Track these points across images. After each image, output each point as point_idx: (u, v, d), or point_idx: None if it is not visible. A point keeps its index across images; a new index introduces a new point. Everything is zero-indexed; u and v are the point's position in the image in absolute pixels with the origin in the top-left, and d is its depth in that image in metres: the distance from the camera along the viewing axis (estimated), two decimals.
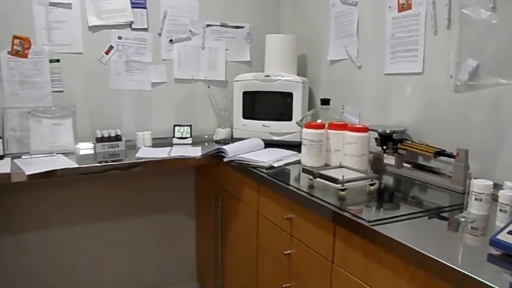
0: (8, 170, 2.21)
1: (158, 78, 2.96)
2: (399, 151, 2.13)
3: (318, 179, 1.85)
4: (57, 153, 2.61)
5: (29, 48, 2.59)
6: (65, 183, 2.80)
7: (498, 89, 1.79)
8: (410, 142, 2.10)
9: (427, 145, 2.01)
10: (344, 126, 2.18)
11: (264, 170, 2.20)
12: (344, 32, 2.65)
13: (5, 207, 2.67)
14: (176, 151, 2.66)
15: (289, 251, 1.98)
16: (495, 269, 1.17)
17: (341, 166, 2.04)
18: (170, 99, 3.02)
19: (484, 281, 1.06)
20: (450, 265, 1.15)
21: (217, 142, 2.97)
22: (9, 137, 2.56)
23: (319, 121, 2.34)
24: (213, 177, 2.84)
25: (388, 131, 2.14)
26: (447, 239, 1.41)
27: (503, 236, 1.23)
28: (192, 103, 3.10)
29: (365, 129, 2.11)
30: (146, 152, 2.64)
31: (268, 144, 2.70)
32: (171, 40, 2.96)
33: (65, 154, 2.60)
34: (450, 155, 1.89)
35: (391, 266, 1.39)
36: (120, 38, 2.81)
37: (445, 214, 1.62)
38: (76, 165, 2.36)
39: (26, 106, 2.61)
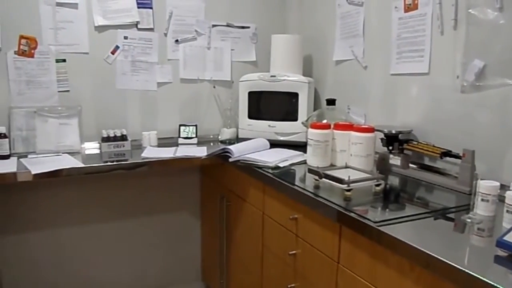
0: (14, 170, 2.21)
1: (164, 78, 2.97)
2: (405, 151, 2.13)
3: (324, 179, 1.85)
4: (63, 153, 2.62)
5: (35, 48, 2.60)
6: (70, 183, 2.80)
7: (505, 90, 1.78)
8: (416, 142, 2.09)
9: (433, 146, 2.01)
10: (350, 127, 2.17)
11: (270, 170, 2.20)
12: (350, 33, 2.65)
13: (10, 206, 2.68)
14: (182, 151, 2.67)
15: (294, 251, 1.98)
16: (502, 270, 1.17)
17: (346, 167, 2.04)
18: (175, 99, 3.03)
19: (491, 282, 1.06)
20: (457, 266, 1.14)
21: (222, 142, 2.97)
22: (16, 137, 2.57)
23: (324, 121, 2.34)
24: (218, 177, 2.84)
25: (394, 132, 2.14)
26: (453, 240, 1.40)
27: (510, 237, 1.22)
28: (198, 103, 3.10)
29: (371, 130, 2.10)
30: (152, 152, 2.65)
31: (274, 144, 2.70)
32: (176, 40, 2.97)
33: (71, 153, 2.61)
34: (457, 156, 1.88)
35: (397, 266, 1.38)
36: (126, 38, 2.82)
37: (451, 215, 1.61)
38: (82, 165, 2.36)
39: (33, 106, 2.62)
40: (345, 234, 1.63)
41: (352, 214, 1.56)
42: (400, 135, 2.13)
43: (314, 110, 2.82)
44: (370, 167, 2.10)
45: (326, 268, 1.75)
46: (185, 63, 3.01)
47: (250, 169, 2.30)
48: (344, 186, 1.73)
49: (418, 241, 1.30)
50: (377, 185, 1.82)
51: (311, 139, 2.24)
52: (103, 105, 2.83)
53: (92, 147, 2.76)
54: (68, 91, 2.72)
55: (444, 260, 1.18)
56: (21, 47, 2.57)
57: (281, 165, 2.27)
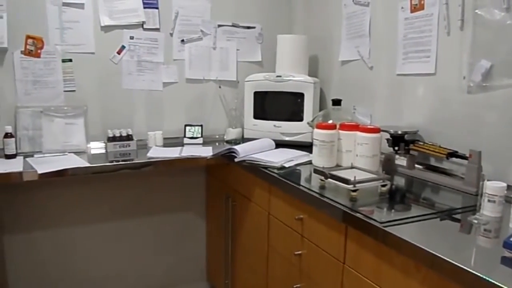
0: (20, 169, 2.22)
1: (170, 78, 2.97)
2: (411, 152, 2.12)
3: (329, 179, 1.85)
4: (69, 152, 2.63)
5: (42, 48, 2.61)
6: (76, 182, 2.81)
7: (511, 90, 1.77)
8: (422, 143, 2.09)
9: (440, 146, 2.00)
10: (356, 127, 2.17)
11: (275, 171, 2.20)
12: (356, 33, 2.65)
13: (16, 205, 2.69)
14: (187, 151, 2.67)
15: (300, 252, 1.98)
16: (509, 271, 1.16)
17: (352, 167, 2.04)
18: (181, 99, 3.03)
19: (498, 284, 1.05)
20: (463, 267, 1.14)
21: (228, 142, 2.98)
22: (22, 136, 2.58)
23: (330, 121, 2.33)
24: (223, 177, 2.84)
25: (400, 132, 2.13)
26: (459, 241, 1.40)
27: None
28: (203, 103, 3.10)
29: (376, 130, 2.10)
30: (157, 152, 2.65)
31: (279, 144, 2.70)
32: (182, 40, 2.97)
33: (77, 153, 2.62)
34: (463, 157, 1.88)
35: (403, 267, 1.38)
36: (132, 38, 2.83)
37: (458, 216, 1.61)
38: (88, 164, 2.37)
39: (39, 106, 2.63)
40: (351, 234, 1.63)
41: (358, 215, 1.56)
42: (406, 136, 2.13)
43: (320, 110, 2.82)
44: (376, 167, 2.10)
45: (332, 268, 1.75)
46: (191, 63, 3.02)
47: (256, 169, 2.30)
48: (350, 187, 1.73)
49: (424, 242, 1.30)
50: (383, 186, 1.82)
51: (317, 140, 2.24)
52: (109, 105, 2.83)
53: (98, 147, 2.77)
54: (74, 91, 2.73)
55: (450, 261, 1.17)
56: (28, 47, 2.58)
57: (286, 165, 2.27)
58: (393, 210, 1.67)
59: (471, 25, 1.92)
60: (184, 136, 2.94)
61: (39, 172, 2.19)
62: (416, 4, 2.20)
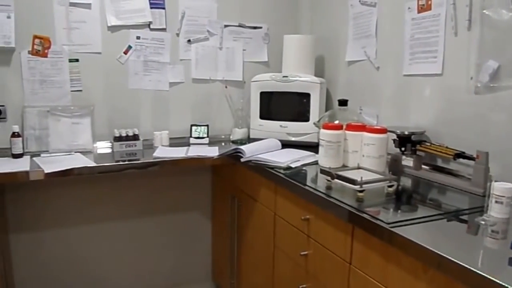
0: (27, 168, 2.23)
1: (176, 78, 2.98)
2: (418, 152, 2.11)
3: (336, 180, 1.85)
4: (75, 152, 2.64)
5: (49, 47, 2.62)
6: (82, 182, 2.82)
7: None
8: (429, 144, 2.08)
9: (446, 147, 2.00)
10: (362, 127, 2.17)
11: (282, 171, 2.20)
12: (363, 33, 2.64)
13: (22, 204, 2.70)
14: (193, 151, 2.67)
15: (306, 252, 1.98)
16: None
17: (359, 168, 2.03)
18: (187, 99, 3.03)
19: (506, 285, 1.05)
20: (471, 268, 1.14)
21: (234, 142, 2.98)
22: (29, 136, 2.59)
23: (336, 122, 2.33)
24: (229, 177, 2.85)
25: (406, 133, 2.13)
26: (466, 242, 1.39)
27: None
28: (209, 103, 3.10)
29: (383, 131, 2.10)
30: (163, 152, 2.66)
31: (285, 144, 2.70)
32: (189, 40, 2.97)
33: (83, 152, 2.63)
34: (470, 157, 1.87)
35: (410, 268, 1.37)
36: (138, 38, 2.83)
37: (465, 217, 1.60)
38: (94, 164, 2.38)
39: (46, 105, 2.64)
40: (358, 235, 1.63)
41: (364, 215, 1.56)
42: (412, 136, 2.12)
43: (326, 110, 2.82)
44: (382, 168, 2.09)
45: (338, 269, 1.75)
46: (197, 63, 3.02)
47: (262, 169, 2.30)
48: (357, 187, 1.73)
49: (431, 242, 1.30)
50: (390, 186, 1.82)
51: (323, 140, 2.23)
52: (115, 105, 2.84)
53: (104, 147, 2.78)
54: (80, 90, 2.73)
55: (458, 262, 1.17)
56: (35, 47, 2.59)
57: (293, 165, 2.27)
58: (399, 211, 1.67)
59: (478, 26, 1.91)
60: (190, 136, 2.94)
61: (46, 171, 2.20)
62: (423, 5, 2.19)
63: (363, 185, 1.73)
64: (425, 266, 1.31)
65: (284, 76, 2.80)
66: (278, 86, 2.82)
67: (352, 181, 1.75)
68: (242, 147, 2.45)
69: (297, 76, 2.77)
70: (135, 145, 2.72)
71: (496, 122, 1.87)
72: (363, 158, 2.12)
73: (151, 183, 3.02)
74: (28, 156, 2.49)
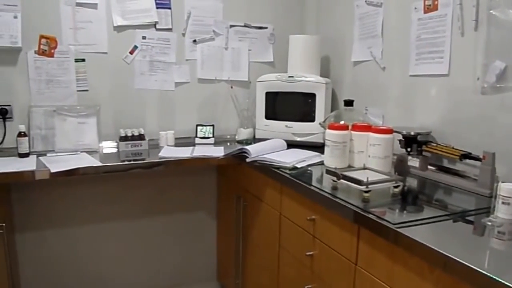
0: (34, 168, 2.24)
1: (182, 78, 2.98)
2: (424, 153, 2.11)
3: (342, 180, 1.84)
4: (81, 152, 2.65)
5: (55, 47, 2.63)
6: (87, 181, 2.83)
7: None
8: (435, 144, 2.08)
9: (453, 148, 1.99)
10: (368, 128, 2.16)
11: (287, 171, 2.19)
12: (369, 33, 2.64)
13: (27, 203, 2.71)
14: (199, 151, 2.67)
15: (311, 252, 1.98)
16: None
17: (364, 168, 2.03)
18: (193, 99, 3.04)
19: None
20: (477, 269, 1.13)
21: (239, 142, 2.98)
22: (35, 135, 2.60)
23: (342, 122, 2.33)
24: (234, 177, 2.85)
25: (412, 133, 2.12)
26: (473, 243, 1.39)
27: None
28: (215, 103, 3.11)
29: (389, 131, 2.09)
30: (169, 152, 2.66)
31: (291, 145, 2.69)
32: (194, 40, 2.98)
33: (89, 152, 2.64)
34: (477, 158, 1.86)
35: (416, 269, 1.37)
36: (144, 38, 2.84)
37: (471, 218, 1.59)
38: (100, 164, 2.38)
39: (52, 105, 2.65)
40: (363, 235, 1.62)
41: (370, 216, 1.55)
42: (418, 137, 2.12)
43: (332, 111, 2.81)
44: (388, 168, 2.09)
45: (344, 269, 1.75)
46: (203, 63, 3.02)
47: (267, 169, 2.30)
48: (363, 188, 1.72)
49: (437, 243, 1.29)
50: (396, 187, 1.81)
51: (329, 140, 2.23)
52: (121, 105, 2.85)
53: (110, 146, 2.79)
54: (87, 90, 2.74)
55: (464, 262, 1.17)
56: (41, 46, 2.60)
57: (298, 165, 2.27)
58: (405, 212, 1.67)
59: (485, 26, 1.90)
60: (196, 136, 2.94)
61: (52, 171, 2.20)
62: (430, 5, 2.19)
63: (369, 186, 1.73)
64: (431, 266, 1.31)
65: (289, 76, 2.80)
66: (284, 86, 2.82)
67: (358, 182, 1.75)
68: (247, 147, 2.45)
69: (302, 76, 2.77)
70: (141, 145, 2.72)
71: (503, 123, 1.86)
72: (369, 158, 2.12)
73: (157, 183, 3.03)
74: (34, 156, 2.50)
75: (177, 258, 3.20)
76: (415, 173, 2.14)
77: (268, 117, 2.90)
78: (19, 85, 2.58)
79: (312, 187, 1.93)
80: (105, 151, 2.73)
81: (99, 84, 2.77)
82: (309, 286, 2.00)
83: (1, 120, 2.56)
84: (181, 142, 2.92)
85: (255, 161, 2.38)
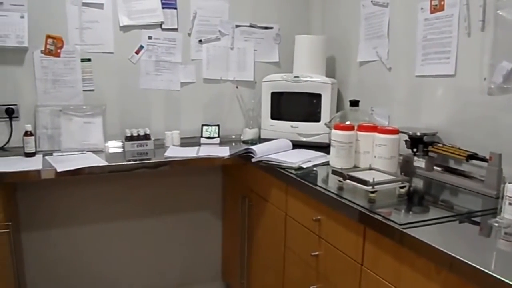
0: (40, 167, 2.24)
1: (187, 78, 2.98)
2: (430, 154, 2.11)
3: (348, 180, 1.84)
4: (87, 151, 2.65)
5: (61, 47, 2.64)
6: (93, 181, 2.84)
7: None
8: (441, 145, 2.07)
9: (459, 148, 1.99)
10: (374, 128, 2.16)
11: (293, 171, 2.19)
12: (375, 33, 2.63)
13: (33, 203, 2.72)
14: (205, 151, 2.67)
15: (317, 253, 1.97)
16: None
17: (370, 168, 2.03)
18: (198, 99, 3.04)
19: None
20: (484, 270, 1.13)
21: (244, 142, 2.98)
22: (41, 135, 2.61)
23: (348, 122, 2.32)
24: (240, 177, 2.85)
25: (418, 134, 2.12)
26: (479, 244, 1.38)
27: None
28: (220, 103, 3.11)
29: (395, 131, 2.09)
30: (175, 151, 2.66)
31: (296, 145, 2.69)
32: (200, 40, 2.98)
33: (95, 152, 2.64)
34: (483, 159, 1.86)
35: (423, 269, 1.37)
36: (150, 38, 2.84)
37: (477, 219, 1.59)
38: (106, 163, 2.39)
39: (58, 104, 2.66)
40: (369, 236, 1.62)
41: (376, 216, 1.55)
42: (425, 137, 2.12)
43: (337, 111, 2.81)
44: (394, 169, 2.08)
45: (350, 269, 1.75)
46: (209, 63, 3.03)
47: (273, 169, 2.30)
48: (369, 188, 1.72)
49: (444, 244, 1.29)
50: (402, 187, 1.81)
51: (335, 140, 2.22)
52: (127, 104, 2.85)
53: (115, 146, 2.80)
54: (92, 90, 2.75)
55: (471, 263, 1.16)
56: (48, 46, 2.61)
57: (304, 166, 2.27)
58: (411, 212, 1.66)
59: (492, 26, 1.90)
60: (201, 136, 2.95)
61: (58, 170, 2.21)
62: (436, 5, 2.18)
63: (375, 186, 1.72)
64: (438, 267, 1.31)
65: (295, 77, 2.80)
66: (289, 86, 2.82)
67: (364, 182, 1.75)
68: (253, 147, 2.45)
69: (308, 76, 2.77)
70: (146, 145, 2.72)
71: (510, 123, 1.85)
72: (375, 159, 2.11)
73: (162, 182, 3.03)
74: (41, 155, 2.51)
75: (182, 258, 3.20)
76: (421, 173, 2.13)
77: (273, 117, 2.90)
78: (26, 85, 2.59)
79: (318, 188, 1.93)
80: (111, 150, 2.73)
81: (105, 84, 2.77)
82: (315, 286, 2.00)
83: (8, 119, 2.57)
84: (186, 142, 2.93)
85: (261, 161, 2.38)
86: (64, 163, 2.32)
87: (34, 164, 2.30)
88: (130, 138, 2.71)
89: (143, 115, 2.91)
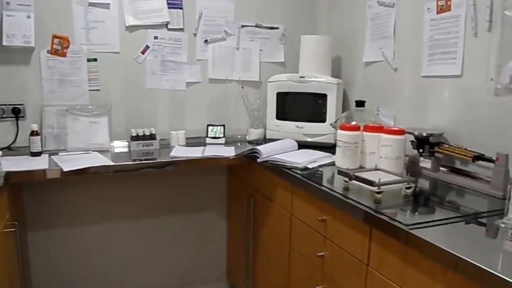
0: (46, 166, 2.25)
1: (193, 78, 2.99)
2: (436, 154, 2.10)
3: (353, 181, 1.84)
4: (93, 151, 2.66)
5: (67, 47, 2.64)
6: (99, 181, 2.84)
7: None
8: (447, 145, 2.07)
9: (465, 149, 1.98)
10: (380, 129, 2.16)
11: (298, 171, 2.19)
12: (380, 34, 2.63)
13: (39, 202, 2.73)
14: (210, 151, 2.67)
15: (322, 253, 1.97)
16: None
17: (376, 169, 2.02)
18: (204, 99, 3.04)
19: None
20: (491, 271, 1.12)
21: (250, 142, 2.98)
22: (47, 134, 2.62)
23: (353, 123, 2.32)
24: (245, 177, 2.85)
25: (424, 134, 2.11)
26: (486, 245, 1.38)
27: None
28: (226, 103, 3.11)
29: (401, 132, 2.08)
30: (180, 151, 2.66)
31: (301, 145, 2.69)
32: (206, 41, 2.98)
33: (101, 151, 2.65)
34: (490, 160, 1.85)
35: (429, 271, 1.36)
36: (156, 38, 2.85)
37: (483, 220, 1.58)
38: (111, 163, 2.39)
39: (64, 104, 2.67)
40: (375, 236, 1.62)
41: (382, 217, 1.55)
42: (431, 138, 2.11)
43: (343, 111, 2.81)
44: (400, 169, 2.08)
45: (355, 270, 1.74)
46: (214, 63, 3.03)
47: (278, 169, 2.30)
48: (375, 189, 1.72)
49: (450, 245, 1.28)
50: (408, 188, 1.80)
51: (341, 141, 2.22)
52: (133, 104, 2.86)
53: (121, 146, 2.80)
54: (98, 90, 2.76)
55: (478, 264, 1.16)
56: (54, 46, 2.61)
57: (310, 166, 2.27)
58: (417, 213, 1.66)
59: (499, 26, 1.88)
60: (207, 136, 2.95)
61: (65, 169, 2.22)
62: (443, 5, 2.18)
63: (381, 187, 1.72)
64: (444, 268, 1.30)
65: (301, 77, 2.80)
66: (295, 86, 2.82)
67: (370, 183, 1.74)
68: (258, 147, 2.45)
69: (313, 76, 2.76)
70: (152, 145, 2.72)
71: None
72: (381, 159, 2.11)
73: (167, 182, 3.04)
74: (47, 155, 2.52)
75: (187, 258, 3.20)
76: (427, 174, 2.13)
77: (279, 117, 2.90)
78: (32, 85, 2.60)
79: (324, 188, 1.92)
80: (117, 150, 2.74)
81: (110, 83, 2.78)
82: (320, 287, 2.00)
83: (14, 119, 2.58)
84: (192, 142, 2.93)
85: (266, 161, 2.38)
86: (70, 162, 2.32)
87: (40, 163, 2.31)
88: (136, 138, 2.70)
89: (149, 115, 2.91)
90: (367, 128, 2.22)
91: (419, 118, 2.38)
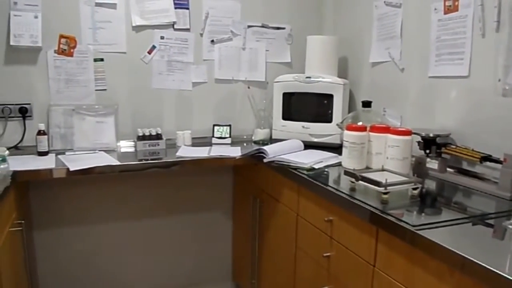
0: (53, 166, 2.26)
1: (199, 78, 2.99)
2: (443, 155, 2.09)
3: (360, 181, 1.83)
4: (99, 150, 2.66)
5: (74, 47, 2.65)
6: (105, 180, 2.85)
7: None
8: (454, 146, 2.06)
9: (472, 150, 1.97)
10: (387, 129, 2.15)
11: (305, 172, 2.19)
12: (387, 34, 2.62)
13: (45, 201, 2.74)
14: (216, 151, 2.68)
15: (328, 254, 1.97)
16: None
17: (383, 170, 2.02)
18: (210, 99, 3.05)
19: None
20: (498, 272, 1.12)
21: (256, 142, 2.98)
22: (54, 134, 2.63)
23: (360, 123, 2.31)
24: (251, 178, 2.85)
25: (431, 135, 2.11)
26: (493, 246, 1.37)
27: None
28: (232, 103, 3.11)
29: (408, 132, 2.08)
30: (187, 151, 2.67)
31: (307, 145, 2.68)
32: (212, 41, 2.98)
33: (107, 151, 2.66)
34: (497, 161, 1.84)
35: (436, 271, 1.36)
36: (162, 38, 2.85)
37: (491, 221, 1.57)
38: (118, 163, 2.40)
39: (71, 104, 2.68)
40: (382, 237, 1.61)
41: (389, 217, 1.54)
42: (438, 139, 2.10)
43: (349, 112, 2.81)
44: (407, 170, 2.07)
45: (362, 271, 1.74)
46: (220, 64, 3.03)
47: (285, 170, 2.30)
48: (382, 189, 1.71)
49: (457, 246, 1.28)
50: (414, 189, 1.80)
51: (347, 141, 2.22)
52: (139, 104, 2.87)
53: (127, 145, 2.81)
54: (105, 90, 2.76)
55: (485, 265, 1.15)
56: (61, 46, 2.62)
57: (316, 166, 2.27)
58: (424, 214, 1.65)
59: (507, 27, 1.88)
60: (213, 136, 2.95)
61: (71, 169, 2.22)
62: (450, 6, 2.17)
63: (388, 187, 1.71)
64: (451, 269, 1.30)
65: (307, 77, 2.79)
66: (301, 87, 2.81)
67: (377, 183, 1.74)
68: (265, 147, 2.45)
69: (320, 77, 2.76)
70: (158, 145, 2.72)
71: None
72: (387, 160, 2.11)
73: (173, 182, 3.04)
74: (53, 154, 2.53)
75: (192, 258, 3.21)
76: (433, 175, 2.12)
77: (285, 117, 2.90)
78: (39, 84, 2.61)
79: (330, 188, 1.92)
80: (123, 150, 2.75)
81: (117, 83, 2.79)
82: (326, 287, 2.00)
83: (21, 118, 2.59)
84: (198, 142, 2.93)
85: (273, 161, 2.38)
86: (76, 162, 2.33)
87: (47, 163, 2.32)
88: (142, 138, 2.71)
89: (155, 115, 2.91)
90: (374, 129, 2.21)
91: (426, 118, 2.37)
